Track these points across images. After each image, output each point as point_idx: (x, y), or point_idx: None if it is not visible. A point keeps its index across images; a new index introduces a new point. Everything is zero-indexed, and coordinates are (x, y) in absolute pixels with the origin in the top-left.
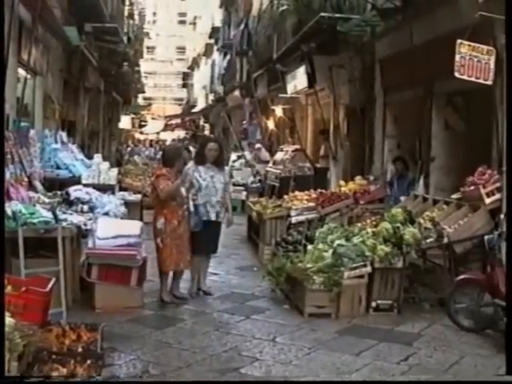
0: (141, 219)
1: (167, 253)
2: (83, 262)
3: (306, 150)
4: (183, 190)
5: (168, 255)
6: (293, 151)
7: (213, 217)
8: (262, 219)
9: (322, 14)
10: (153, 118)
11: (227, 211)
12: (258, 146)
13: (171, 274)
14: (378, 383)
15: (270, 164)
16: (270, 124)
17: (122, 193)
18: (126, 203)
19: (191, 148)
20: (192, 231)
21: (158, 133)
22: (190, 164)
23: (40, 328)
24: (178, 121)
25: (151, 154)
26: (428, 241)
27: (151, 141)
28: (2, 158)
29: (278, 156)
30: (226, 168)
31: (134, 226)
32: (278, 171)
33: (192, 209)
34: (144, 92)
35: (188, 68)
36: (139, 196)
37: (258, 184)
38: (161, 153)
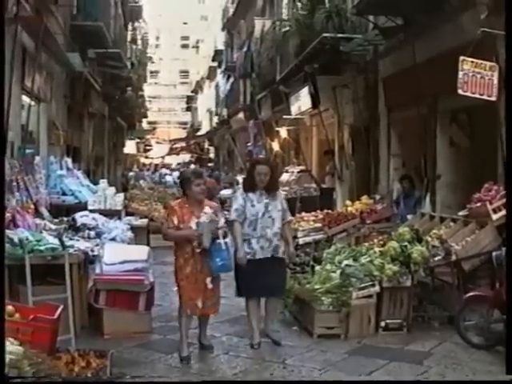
0: (148, 244)
1: (179, 294)
2: (91, 288)
3: (311, 171)
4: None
5: (180, 296)
6: (298, 172)
7: (269, 252)
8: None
9: (325, 34)
10: (157, 142)
11: (287, 244)
12: None
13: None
14: (378, 383)
15: None
16: (275, 145)
17: (128, 218)
18: (133, 228)
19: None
20: (244, 271)
21: (163, 157)
22: (239, 192)
23: (49, 355)
24: (183, 144)
25: (156, 178)
26: (436, 259)
27: (156, 165)
28: (2, 165)
29: (284, 177)
30: (281, 192)
31: (140, 251)
32: (284, 193)
33: (223, 247)
34: (148, 116)
35: (192, 91)
36: (145, 220)
37: None
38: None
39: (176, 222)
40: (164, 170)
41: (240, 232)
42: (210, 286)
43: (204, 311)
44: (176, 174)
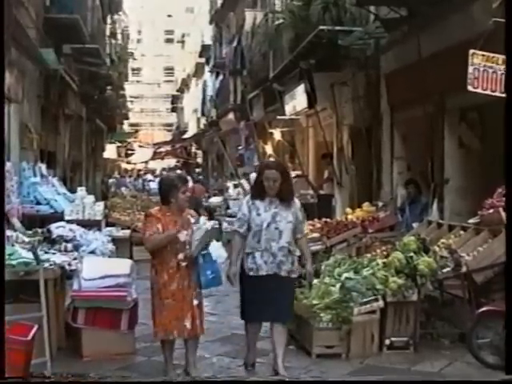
0: (130, 257)
1: (156, 315)
2: (68, 305)
3: (308, 176)
4: (184, 235)
5: (156, 318)
6: (294, 177)
7: (271, 269)
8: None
9: (321, 27)
10: (140, 146)
11: (306, 261)
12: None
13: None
14: (378, 383)
15: None
16: (268, 149)
17: (109, 228)
18: (114, 240)
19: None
20: (246, 289)
21: (146, 162)
22: (246, 199)
23: (22, 381)
24: (168, 148)
25: (139, 185)
26: (445, 270)
27: (139, 171)
28: (1, 165)
29: None
30: (297, 201)
31: (123, 265)
32: None
33: (214, 257)
34: (129, 118)
35: (177, 90)
36: (128, 231)
37: None
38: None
39: (161, 229)
40: (148, 176)
41: (238, 245)
42: (195, 301)
43: (193, 332)
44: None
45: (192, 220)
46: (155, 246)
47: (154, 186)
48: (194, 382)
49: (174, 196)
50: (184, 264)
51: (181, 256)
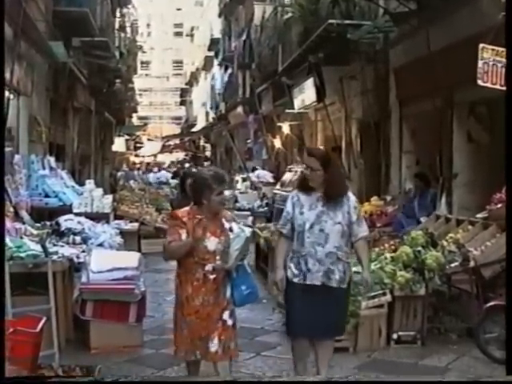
0: (139, 250)
1: (177, 332)
2: (76, 298)
3: None
4: (214, 243)
5: (177, 336)
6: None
7: (317, 278)
8: (271, 246)
9: (330, 21)
10: (149, 139)
11: (362, 268)
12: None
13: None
14: (378, 383)
15: (278, 186)
16: (277, 142)
17: (117, 221)
18: (122, 233)
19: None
20: (290, 299)
21: (155, 155)
22: (293, 193)
23: (30, 372)
24: (177, 141)
25: (150, 178)
26: (453, 265)
27: (148, 164)
28: (2, 164)
29: (286, 177)
30: (352, 198)
31: (131, 258)
32: (287, 193)
33: (249, 270)
34: (138, 111)
35: (186, 84)
36: (136, 225)
37: (266, 208)
38: (188, 181)
39: (184, 235)
40: (164, 172)
41: (282, 247)
42: (229, 321)
43: (221, 357)
44: (164, 173)
45: (226, 225)
46: (172, 256)
47: (153, 178)
48: (194, 382)
49: (206, 197)
50: (212, 277)
51: (209, 267)
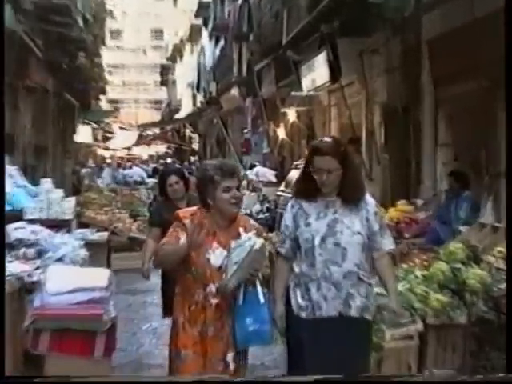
0: (108, 266)
1: (170, 366)
2: (28, 326)
3: None
4: (220, 257)
5: (171, 370)
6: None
7: (334, 308)
8: (273, 265)
9: None
10: (121, 128)
11: (388, 293)
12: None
13: None
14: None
15: (282, 186)
16: (281, 132)
17: (81, 230)
18: (88, 244)
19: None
20: (296, 339)
21: (129, 148)
22: (291, 202)
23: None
24: (156, 131)
25: (120, 176)
26: (501, 286)
27: (120, 158)
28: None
29: (292, 175)
30: (371, 201)
31: (98, 276)
32: (291, 196)
33: (262, 299)
34: (108, 93)
35: (167, 59)
36: (105, 234)
37: (267, 214)
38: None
39: (183, 239)
40: (140, 170)
41: (281, 272)
42: (232, 365)
43: None
44: (140, 170)
45: (243, 236)
46: (162, 263)
47: (126, 177)
48: (195, 382)
49: (210, 195)
50: (214, 301)
51: (211, 288)
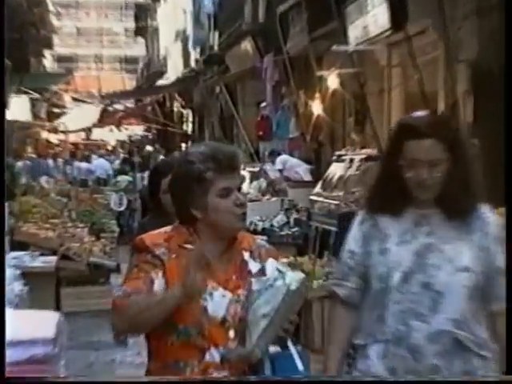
0: (57, 307)
1: None
2: None
3: None
4: (223, 303)
5: None
6: (363, 160)
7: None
8: (306, 300)
9: None
10: (76, 100)
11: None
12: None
13: None
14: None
15: (318, 188)
16: (316, 107)
17: (16, 254)
18: (27, 275)
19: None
20: None
21: (89, 129)
22: (361, 216)
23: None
24: (130, 105)
25: (77, 172)
26: None
27: (75, 145)
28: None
29: (334, 171)
30: (490, 217)
31: (42, 323)
32: (335, 202)
33: (300, 365)
34: (55, 47)
35: None
36: (53, 259)
37: (295, 229)
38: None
39: (159, 285)
40: (104, 162)
41: (341, 324)
42: None
43: None
44: (105, 162)
45: (253, 265)
46: (132, 324)
47: (84, 172)
48: (195, 382)
49: (197, 203)
50: (219, 375)
51: (213, 355)
